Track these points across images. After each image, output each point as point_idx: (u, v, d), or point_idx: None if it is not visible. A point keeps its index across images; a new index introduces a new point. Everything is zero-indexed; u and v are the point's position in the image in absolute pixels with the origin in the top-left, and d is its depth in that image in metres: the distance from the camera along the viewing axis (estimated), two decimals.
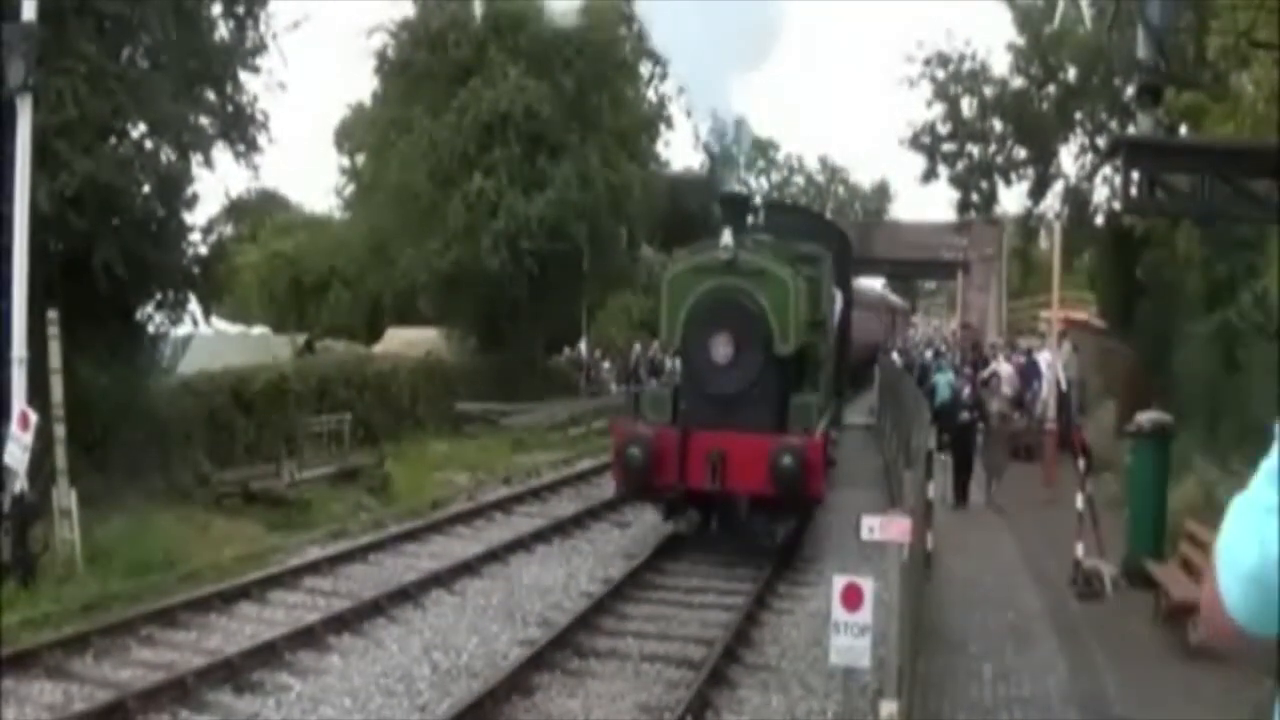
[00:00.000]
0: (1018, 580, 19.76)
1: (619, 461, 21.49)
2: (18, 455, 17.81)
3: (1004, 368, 33.83)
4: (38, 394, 18.66)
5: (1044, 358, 34.18)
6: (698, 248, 23.80)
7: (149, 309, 25.59)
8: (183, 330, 27.92)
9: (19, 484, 17.83)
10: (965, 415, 27.65)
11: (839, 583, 10.83)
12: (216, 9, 25.85)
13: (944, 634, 16.05)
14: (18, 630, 15.79)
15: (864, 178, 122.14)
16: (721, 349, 21.25)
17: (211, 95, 25.66)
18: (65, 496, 18.71)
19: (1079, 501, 18.91)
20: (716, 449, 20.41)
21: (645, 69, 51.38)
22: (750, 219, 24.87)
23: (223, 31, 25.98)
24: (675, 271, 23.08)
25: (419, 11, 45.23)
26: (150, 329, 26.19)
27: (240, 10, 25.98)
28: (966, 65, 46.33)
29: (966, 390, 29.73)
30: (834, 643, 10.76)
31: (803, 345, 22.52)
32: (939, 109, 46.85)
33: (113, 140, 23.43)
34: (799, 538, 22.50)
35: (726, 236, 21.47)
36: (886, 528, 10.75)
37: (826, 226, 36.61)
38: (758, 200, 32.49)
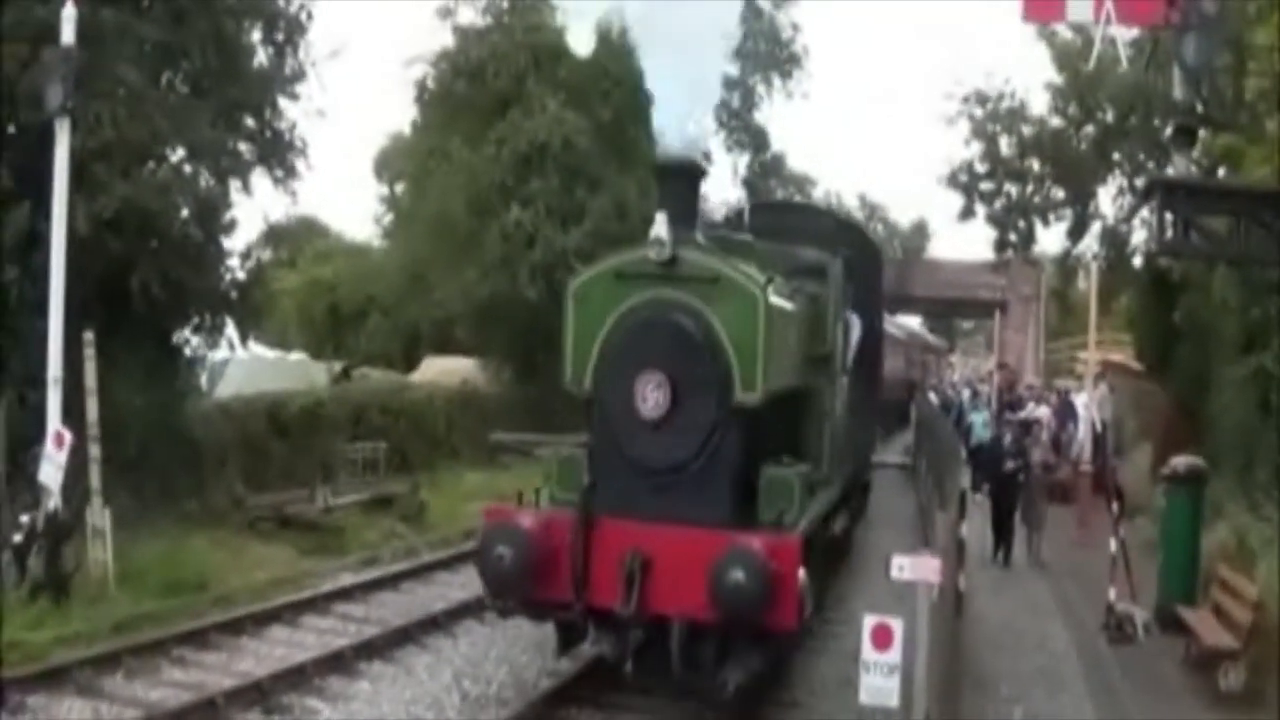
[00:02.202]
0: (1050, 622, 19.68)
1: (480, 564, 14.33)
2: (52, 474, 17.93)
3: (1041, 411, 33.66)
4: (73, 414, 18.78)
5: (1080, 400, 34.02)
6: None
7: (186, 332, 25.77)
8: (220, 354, 28.09)
9: (53, 502, 17.93)
10: (1010, 465, 25.24)
11: (869, 622, 10.83)
12: (256, 36, 26.04)
13: (975, 675, 16.02)
14: (49, 648, 15.92)
15: (902, 216, 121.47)
16: (650, 397, 14.08)
17: (250, 121, 25.85)
18: (99, 516, 18.82)
19: (1112, 545, 18.83)
20: (635, 551, 13.52)
21: None
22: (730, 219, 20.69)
23: (262, 58, 26.18)
24: (585, 279, 15.33)
25: (459, 42, 45.39)
26: (187, 352, 26.34)
27: (280, 38, 26.16)
28: (1005, 104, 46.33)
29: (1009, 438, 26.70)
30: (864, 682, 10.78)
31: (786, 392, 15.58)
32: (977, 147, 46.86)
33: (151, 164, 23.59)
34: (775, 674, 15.61)
35: (660, 225, 14.33)
36: (916, 567, 10.76)
37: (843, 230, 24.79)
38: (741, 198, 23.61)
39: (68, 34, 18.48)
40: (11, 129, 21.63)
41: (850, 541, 22.37)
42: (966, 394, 49.87)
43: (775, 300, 14.82)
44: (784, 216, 24.36)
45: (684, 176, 15.36)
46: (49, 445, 18.05)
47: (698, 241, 15.05)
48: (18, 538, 17.92)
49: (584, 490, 14.30)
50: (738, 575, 12.86)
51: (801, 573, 13.27)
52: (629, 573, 13.51)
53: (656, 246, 14.31)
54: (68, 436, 18.13)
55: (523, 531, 13.97)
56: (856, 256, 21.28)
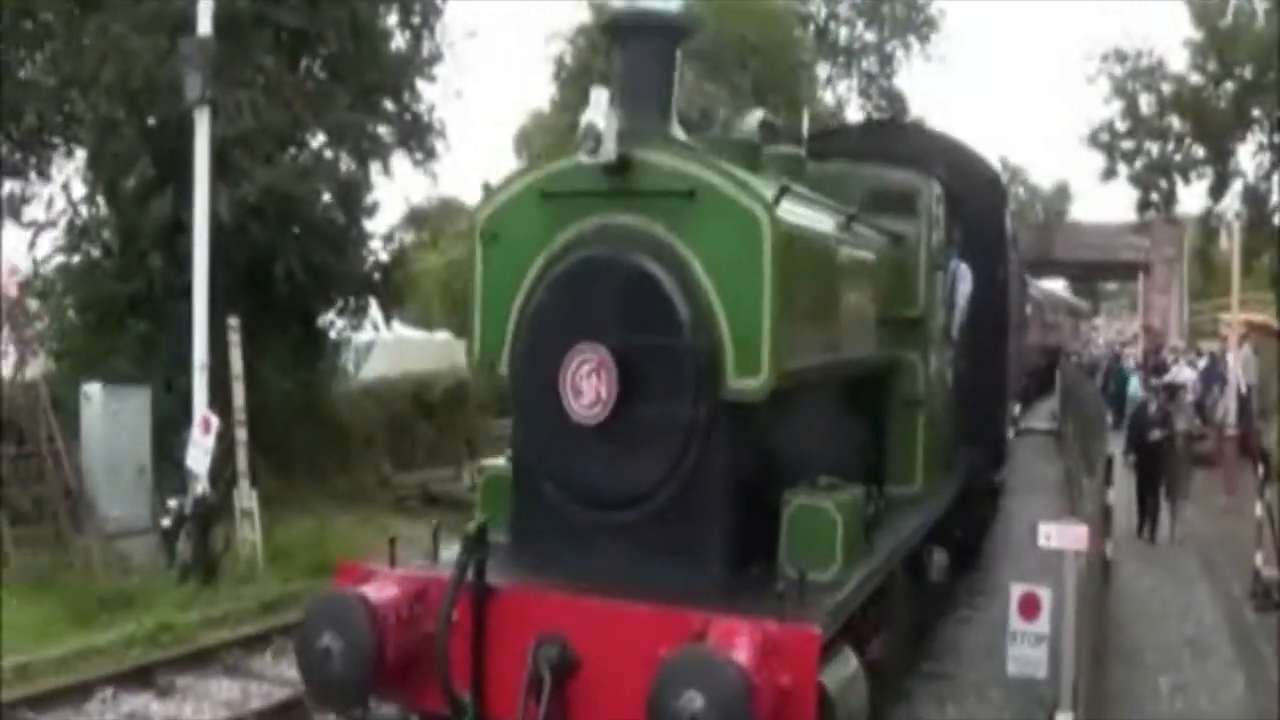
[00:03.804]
0: (1195, 590, 19.36)
1: (299, 660, 8.91)
2: (199, 459, 18.23)
3: (1186, 373, 33.09)
4: (220, 399, 19.09)
5: (1229, 361, 33.41)
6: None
7: (330, 315, 26.11)
8: (364, 336, 28.43)
9: (200, 486, 18.25)
10: (1155, 434, 23.43)
11: (1016, 591, 10.72)
12: (393, 20, 26.26)
13: (1121, 645, 15.82)
14: (198, 629, 16.18)
15: (1044, 179, 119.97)
16: (584, 387, 8.91)
17: (389, 104, 26.08)
18: (247, 498, 19.10)
19: (1258, 510, 18.50)
20: (550, 641, 8.33)
21: (823, 70, 51.22)
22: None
23: (399, 42, 26.40)
24: (498, 206, 10.01)
25: (596, 17, 45.48)
26: (331, 334, 26.70)
27: (416, 20, 26.35)
28: (1144, 61, 45.57)
29: (1154, 405, 24.77)
30: (1011, 652, 10.61)
31: (829, 373, 10.71)
32: (1117, 106, 46.15)
33: (292, 150, 23.92)
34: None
35: (598, 106, 8.87)
36: (1063, 535, 10.61)
37: (946, 152, 17.33)
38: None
39: (204, 24, 18.74)
40: (152, 120, 22.03)
41: (964, 574, 18.47)
42: (1130, 360, 49.05)
43: (797, 223, 9.54)
44: (865, 140, 17.72)
45: (651, 35, 9.82)
46: (195, 430, 18.35)
47: (671, 137, 9.62)
48: (166, 522, 18.27)
49: (468, 539, 8.57)
50: (692, 703, 7.34)
51: (831, 682, 8.02)
52: (536, 677, 8.22)
53: (590, 141, 8.84)
54: (214, 421, 18.42)
55: (361, 612, 8.47)
56: (966, 188, 16.32)
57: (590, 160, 8.98)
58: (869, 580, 9.68)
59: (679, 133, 9.80)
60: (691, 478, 8.97)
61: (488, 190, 10.22)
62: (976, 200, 17.12)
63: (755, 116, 12.04)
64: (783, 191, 9.07)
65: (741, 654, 7.53)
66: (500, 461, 10.43)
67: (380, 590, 8.84)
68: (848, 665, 8.46)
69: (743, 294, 8.84)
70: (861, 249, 11.64)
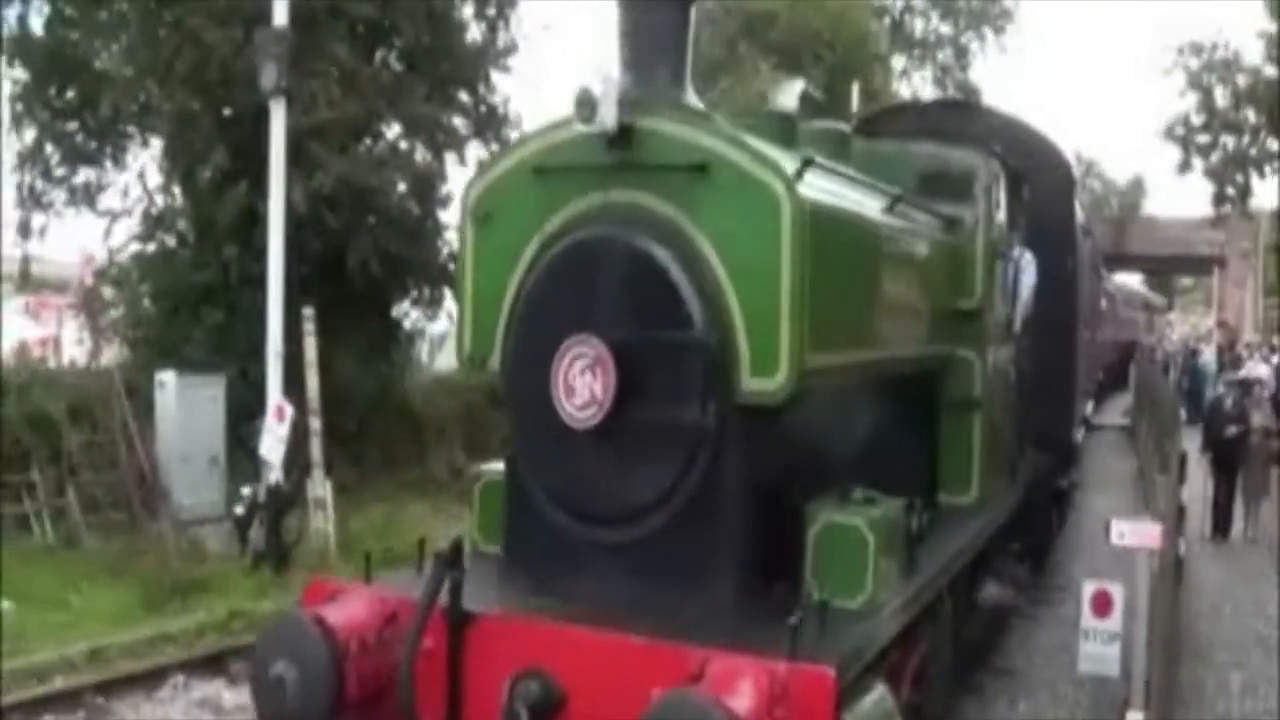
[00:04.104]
0: (1268, 588, 19.19)
1: (253, 688, 7.86)
2: (273, 447, 18.33)
3: (1261, 369, 32.70)
4: (294, 388, 19.19)
5: None
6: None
7: (405, 305, 26.24)
8: (439, 326, 28.55)
9: (274, 475, 18.35)
10: (1231, 430, 22.94)
11: (1089, 588, 10.64)
12: (468, 11, 26.37)
13: (1193, 643, 15.71)
14: (270, 617, 16.26)
15: (1118, 173, 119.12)
16: (578, 386, 7.90)
17: (464, 96, 26.15)
18: (320, 487, 19.18)
19: None
20: (532, 674, 7.23)
21: (898, 63, 51.08)
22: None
23: (474, 33, 26.47)
24: (490, 183, 8.89)
25: None
26: (406, 325, 26.84)
27: (491, 12, 26.44)
28: (1219, 54, 45.26)
29: (1229, 401, 24.15)
30: (1083, 650, 10.57)
31: (864, 371, 9.45)
32: (1192, 99, 45.88)
33: (367, 141, 24.05)
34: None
35: (602, 77, 7.94)
36: (1137, 533, 10.51)
37: (1017, 135, 16.70)
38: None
39: (280, 15, 18.83)
40: (228, 110, 22.18)
41: (1028, 591, 17.33)
42: (1209, 354, 48.64)
43: (825, 202, 8.34)
44: (923, 119, 17.04)
45: None
46: (269, 419, 18.46)
47: (681, 105, 8.35)
48: (239, 510, 18.38)
49: (439, 558, 7.59)
50: None
51: None
52: (511, 715, 7.18)
53: (585, 108, 7.83)
54: (288, 410, 18.52)
55: (318, 638, 7.40)
56: (1031, 170, 15.15)
57: (587, 129, 7.95)
58: (908, 606, 8.58)
59: (694, 101, 8.52)
60: (699, 492, 7.88)
61: (482, 165, 9.48)
62: (1043, 184, 15.96)
63: (795, 88, 11.25)
64: (807, 165, 8.02)
65: (741, 699, 6.47)
66: (500, 466, 9.15)
67: (344, 612, 7.72)
68: (879, 706, 7.43)
69: (760, 282, 7.76)
70: (907, 233, 10.48)
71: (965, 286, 11.97)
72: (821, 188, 8.32)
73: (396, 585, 8.21)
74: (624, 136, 7.97)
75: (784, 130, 9.33)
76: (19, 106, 23.40)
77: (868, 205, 9.50)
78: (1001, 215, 12.80)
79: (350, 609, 7.77)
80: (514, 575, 8.47)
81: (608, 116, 7.80)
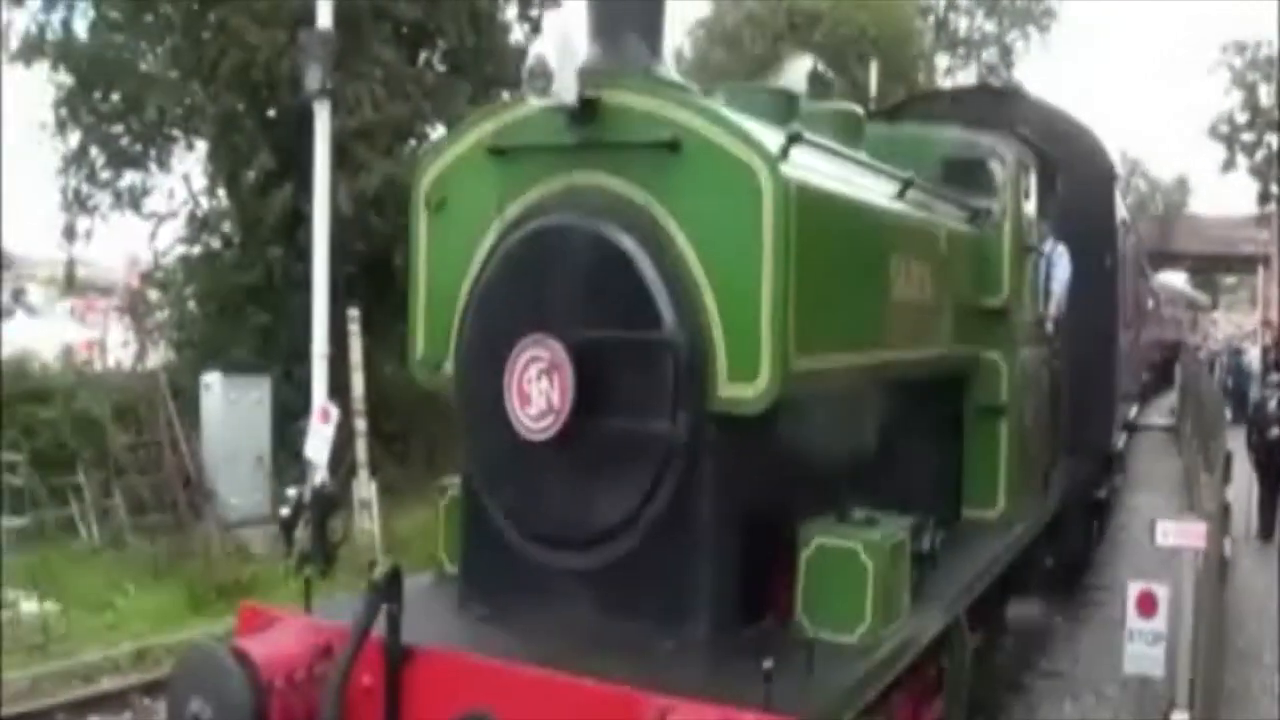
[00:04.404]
0: None
1: None
2: (318, 448, 18.34)
3: None
4: (339, 389, 19.20)
5: None
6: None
7: None
8: None
9: (319, 475, 18.35)
10: (1276, 430, 22.06)
11: (1134, 589, 10.53)
12: (511, 12, 26.37)
13: (1238, 644, 15.62)
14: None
15: (1163, 171, 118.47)
16: (532, 393, 6.93)
17: (508, 97, 26.14)
18: (365, 488, 19.22)
19: None
20: (475, 715, 6.12)
21: (943, 61, 51.01)
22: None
23: (518, 35, 26.48)
24: (448, 164, 7.94)
25: (715, 9, 45.53)
26: None
27: (535, 13, 26.44)
28: (1263, 52, 45.14)
29: (1274, 401, 22.99)
30: (1128, 650, 10.45)
31: (864, 377, 8.25)
32: (1237, 97, 45.74)
33: (412, 142, 24.07)
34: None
35: (560, 40, 6.93)
36: (1181, 533, 10.42)
37: (1051, 120, 15.70)
38: None
39: (324, 17, 18.86)
40: (273, 112, 22.24)
41: (1058, 608, 16.50)
42: (1254, 353, 48.46)
43: (815, 183, 7.22)
44: (952, 105, 15.71)
45: None
46: (314, 420, 18.45)
47: (654, 75, 7.36)
48: (284, 511, 18.34)
49: (373, 588, 6.65)
50: None
51: None
52: None
53: (540, 79, 6.86)
54: (333, 411, 18.51)
55: (236, 674, 6.45)
56: (1066, 158, 14.13)
57: (542, 103, 6.99)
58: (915, 639, 7.64)
59: (669, 73, 7.55)
60: (671, 513, 6.91)
61: (435, 146, 8.26)
62: (1080, 175, 14.89)
63: (803, 64, 10.49)
64: (793, 140, 6.94)
65: None
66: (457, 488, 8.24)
67: (272, 644, 6.84)
68: None
69: (739, 274, 6.78)
70: (921, 223, 9.42)
71: (991, 283, 10.98)
72: (813, 168, 7.33)
73: (337, 614, 7.14)
74: (588, 112, 7.08)
75: (782, 107, 8.38)
76: (63, 111, 23.53)
77: (874, 190, 8.53)
78: (1032, 206, 11.99)
79: (280, 641, 6.94)
80: (471, 602, 7.63)
81: (566, 88, 6.89)
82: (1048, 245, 12.70)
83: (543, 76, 6.79)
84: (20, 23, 23.51)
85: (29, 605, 15.40)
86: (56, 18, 23.45)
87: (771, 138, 6.88)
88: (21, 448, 19.41)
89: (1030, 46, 73.65)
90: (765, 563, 7.26)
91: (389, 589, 6.63)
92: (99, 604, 16.17)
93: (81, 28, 23.61)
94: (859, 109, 10.08)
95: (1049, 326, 12.75)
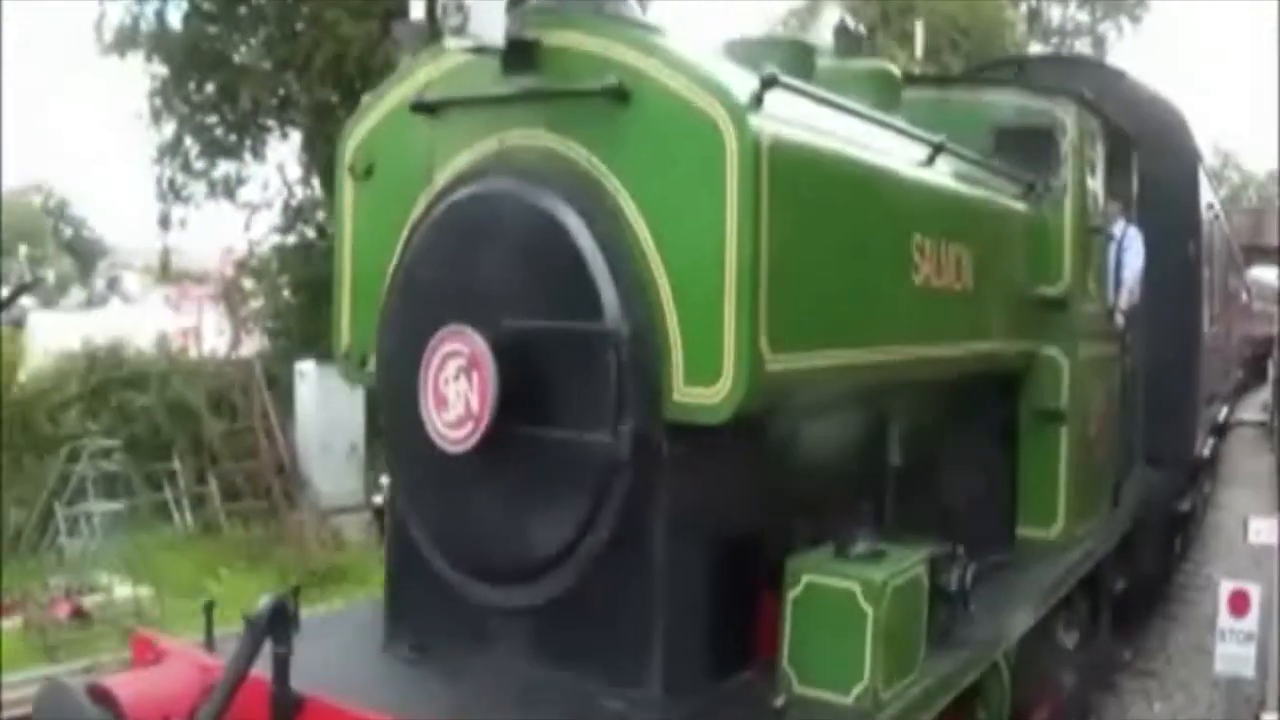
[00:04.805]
0: None
1: None
2: None
3: None
4: None
5: None
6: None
7: None
8: None
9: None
10: None
11: (1226, 588, 10.43)
12: None
13: None
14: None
15: (1258, 165, 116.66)
16: (450, 395, 5.58)
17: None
18: None
19: None
20: None
21: (1036, 51, 50.66)
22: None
23: None
24: (373, 126, 6.86)
25: (808, 1, 45.43)
26: None
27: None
28: None
29: None
30: (1219, 650, 10.39)
31: (883, 381, 6.85)
32: None
33: None
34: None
35: None
36: (1274, 531, 10.34)
37: (1124, 89, 14.42)
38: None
39: (417, 8, 18.89)
40: None
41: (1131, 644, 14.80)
42: None
43: (798, 140, 5.81)
44: (1020, 75, 13.04)
45: None
46: None
47: (601, 12, 5.98)
48: (378, 499, 18.44)
49: (252, 626, 5.72)
50: None
51: None
52: None
53: (457, 15, 5.55)
54: None
55: (95, 717, 5.47)
56: (1141, 131, 12.47)
57: (460, 44, 5.74)
58: (930, 699, 6.26)
59: (634, 12, 6.15)
60: (614, 544, 5.66)
61: (362, 104, 7.14)
62: (1160, 153, 13.21)
63: (829, 15, 9.14)
64: (768, 84, 5.52)
65: None
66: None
67: (146, 683, 5.88)
68: None
69: (698, 251, 5.48)
70: (955, 195, 7.96)
71: (1049, 268, 9.58)
72: (798, 121, 5.87)
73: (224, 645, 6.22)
74: (521, 57, 5.88)
75: (794, 60, 6.91)
76: (158, 101, 23.76)
77: (892, 154, 7.03)
78: (1099, 181, 10.48)
79: (158, 679, 5.97)
80: (397, 641, 6.47)
81: (489, 27, 5.62)
82: (1119, 228, 11.51)
83: (460, 13, 5.53)
84: (114, 14, 23.78)
85: (123, 589, 15.59)
86: (150, 9, 23.69)
87: (742, 82, 5.56)
88: (117, 434, 19.60)
89: (1123, 37, 73.13)
90: (744, 605, 6.11)
91: (272, 626, 5.60)
92: (192, 589, 16.32)
93: (175, 19, 23.85)
94: (894, 68, 8.92)
95: (1119, 319, 11.33)
